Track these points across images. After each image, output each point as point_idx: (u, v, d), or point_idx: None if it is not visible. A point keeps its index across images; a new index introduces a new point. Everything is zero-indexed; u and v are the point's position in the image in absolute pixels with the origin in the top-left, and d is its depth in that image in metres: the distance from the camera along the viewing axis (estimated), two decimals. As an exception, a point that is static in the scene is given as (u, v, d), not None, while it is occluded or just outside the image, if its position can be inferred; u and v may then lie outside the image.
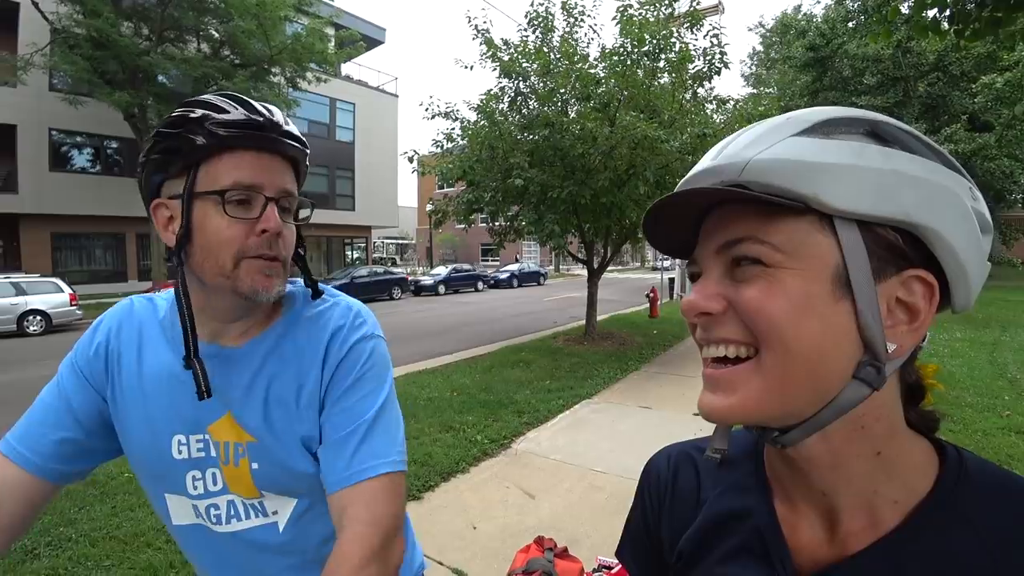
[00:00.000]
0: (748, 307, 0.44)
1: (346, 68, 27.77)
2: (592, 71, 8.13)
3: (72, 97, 15.48)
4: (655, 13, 8.22)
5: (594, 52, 8.63)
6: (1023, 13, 3.00)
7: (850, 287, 0.43)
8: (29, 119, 18.05)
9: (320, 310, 0.90)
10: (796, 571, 0.49)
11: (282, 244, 0.82)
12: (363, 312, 0.92)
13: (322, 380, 0.84)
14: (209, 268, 0.78)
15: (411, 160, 9.42)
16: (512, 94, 8.71)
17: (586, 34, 8.69)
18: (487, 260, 41.87)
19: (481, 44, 8.60)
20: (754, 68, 33.56)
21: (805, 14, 19.01)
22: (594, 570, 1.66)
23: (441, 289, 23.61)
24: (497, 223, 9.67)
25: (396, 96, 30.84)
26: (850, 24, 14.46)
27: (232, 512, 0.87)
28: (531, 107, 8.60)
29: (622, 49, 7.97)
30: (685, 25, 8.38)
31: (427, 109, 9.03)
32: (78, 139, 19.60)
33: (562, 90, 8.11)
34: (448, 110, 9.02)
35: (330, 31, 19.52)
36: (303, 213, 0.89)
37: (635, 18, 8.01)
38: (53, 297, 13.00)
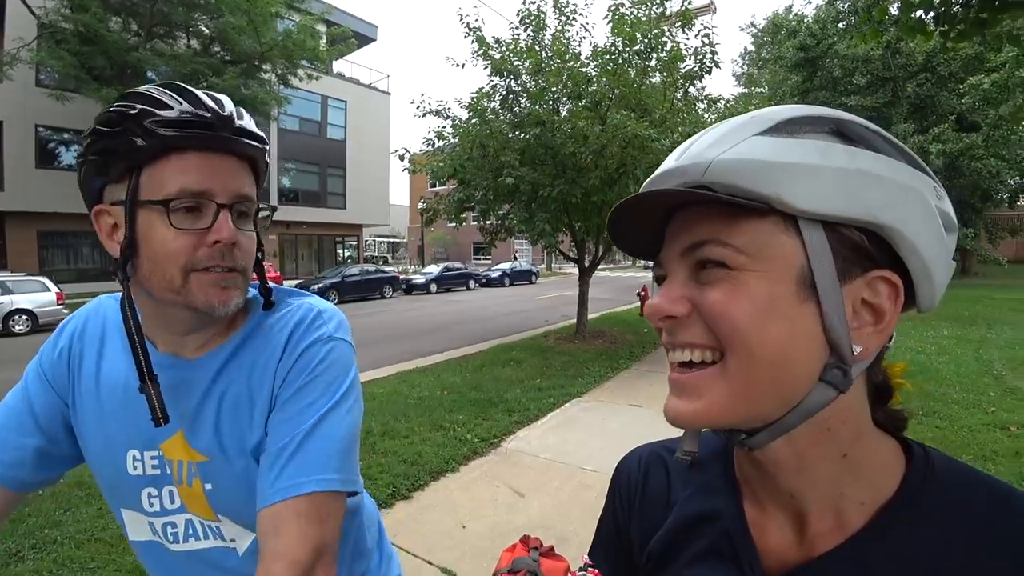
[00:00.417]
0: (712, 311, 0.43)
1: (338, 65, 27.69)
2: (583, 70, 8.14)
3: (59, 93, 15.29)
4: (647, 12, 8.23)
5: (585, 51, 8.66)
6: (1008, 15, 3.04)
7: (815, 289, 0.42)
8: (15, 115, 17.85)
9: (282, 313, 0.83)
10: (764, 573, 0.49)
11: (239, 254, 0.74)
12: (326, 313, 0.84)
13: (273, 388, 0.77)
14: (157, 282, 0.71)
15: (402, 158, 9.40)
16: (503, 92, 8.70)
17: (578, 33, 8.69)
18: (479, 259, 41.84)
19: (473, 42, 8.58)
20: (746, 68, 33.76)
21: (796, 14, 19.16)
22: (580, 569, 1.65)
23: (433, 288, 23.59)
24: (488, 222, 9.68)
25: (388, 94, 30.77)
26: (840, 25, 14.56)
27: (190, 531, 0.81)
28: (522, 105, 8.59)
29: (613, 48, 7.97)
30: (676, 24, 8.38)
31: (418, 107, 9.02)
32: (65, 136, 19.39)
33: (553, 89, 8.11)
34: (439, 108, 9.01)
35: (322, 28, 19.41)
36: (265, 215, 0.82)
37: (627, 17, 8.00)
38: (39, 296, 12.85)
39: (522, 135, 8.23)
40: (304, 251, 28.17)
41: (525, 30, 8.60)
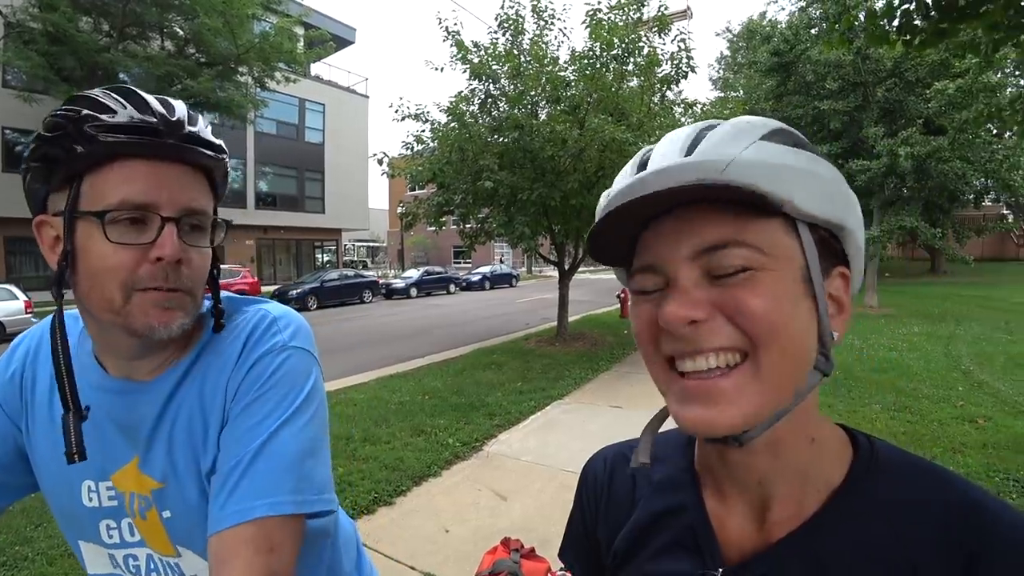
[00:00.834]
0: (746, 310, 0.43)
1: (315, 68, 27.45)
2: (562, 74, 8.20)
3: (27, 94, 14.92)
4: (624, 17, 8.33)
5: (564, 55, 8.70)
6: (965, 24, 3.18)
7: (811, 284, 0.46)
8: (-20, 117, 17.37)
9: (236, 323, 0.77)
10: (724, 562, 0.51)
11: (186, 272, 0.68)
12: (283, 320, 0.77)
13: (225, 403, 0.71)
14: (96, 301, 0.66)
15: (381, 162, 9.36)
16: (482, 96, 8.72)
17: (556, 37, 8.78)
18: (459, 262, 41.76)
19: (451, 46, 8.59)
20: (722, 72, 34.30)
21: (770, 21, 19.53)
22: (561, 569, 1.67)
23: (413, 292, 23.46)
24: (468, 225, 9.67)
25: (366, 97, 30.58)
26: (813, 31, 14.88)
27: (152, 567, 0.76)
28: (501, 109, 8.62)
29: (591, 52, 8.06)
30: (653, 29, 8.49)
31: (397, 111, 8.99)
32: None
33: (532, 92, 8.16)
34: (418, 112, 8.98)
35: (299, 30, 19.24)
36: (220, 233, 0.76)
37: (604, 22, 8.10)
38: (7, 304, 12.48)
39: (501, 139, 8.25)
40: (282, 256, 27.83)
41: (504, 34, 8.63)
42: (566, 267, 9.81)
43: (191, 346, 0.76)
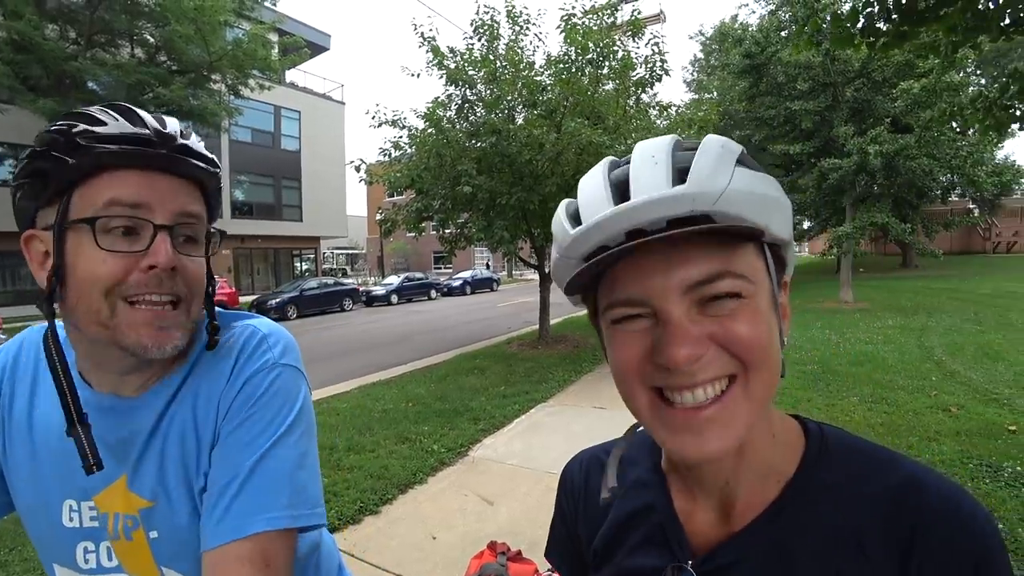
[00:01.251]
0: (740, 339, 0.45)
1: (290, 75, 27.19)
2: (538, 78, 8.24)
3: (-9, 105, 14.55)
4: (598, 22, 8.41)
5: (539, 60, 8.76)
6: (926, 28, 3.29)
7: (775, 299, 0.49)
8: (-58, 129, 16.86)
9: (226, 339, 0.76)
10: (692, 554, 0.54)
11: (181, 280, 0.67)
12: (272, 337, 0.77)
13: (217, 421, 0.71)
14: (83, 314, 0.64)
15: (358, 169, 9.30)
16: (459, 101, 8.74)
17: (531, 42, 8.83)
18: (440, 268, 41.62)
19: (427, 52, 8.59)
20: (695, 74, 34.72)
21: (741, 23, 19.83)
22: (548, 570, 1.67)
23: (394, 299, 23.36)
24: (447, 230, 9.65)
25: (342, 103, 30.39)
26: (783, 33, 15.15)
27: None
28: (478, 114, 8.64)
29: (567, 57, 8.13)
30: (627, 34, 8.59)
31: (374, 117, 8.95)
32: (-1, 149, 18.44)
33: (508, 97, 8.19)
34: (395, 118, 8.97)
35: (273, 37, 19.04)
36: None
37: (579, 27, 8.17)
38: (-26, 320, 12.16)
39: (478, 144, 8.26)
40: (260, 265, 27.47)
41: (479, 40, 8.66)
42: (547, 270, 9.84)
43: (182, 359, 0.75)
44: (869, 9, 3.35)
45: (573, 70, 8.02)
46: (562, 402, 6.13)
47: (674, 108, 9.89)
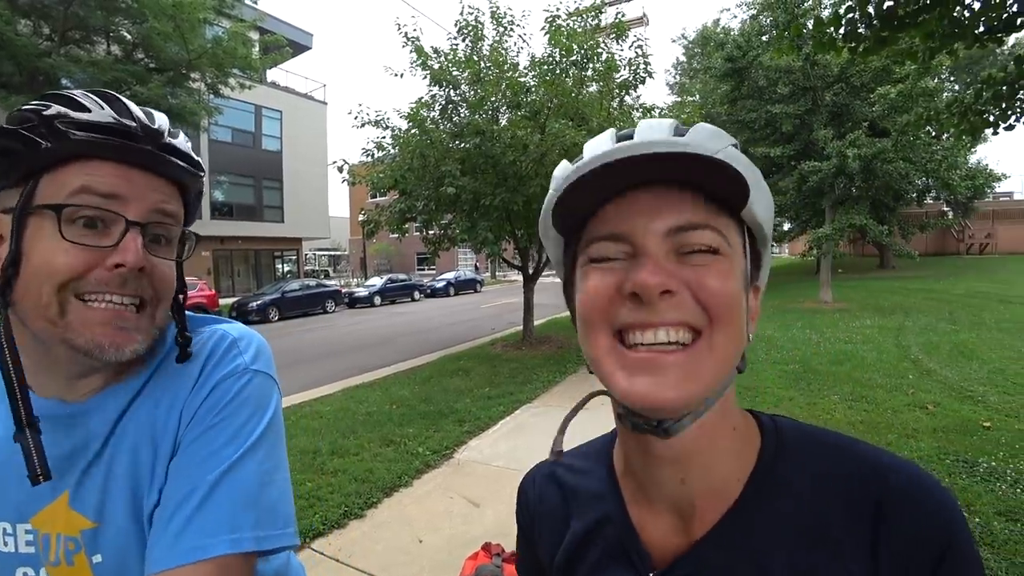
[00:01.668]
0: (710, 288, 0.45)
1: (272, 74, 26.88)
2: (522, 80, 8.25)
3: (-39, 102, 14.15)
4: (582, 24, 8.45)
5: (524, 61, 8.77)
6: (904, 33, 3.37)
7: (747, 284, 0.49)
8: (-91, 128, 16.36)
9: (193, 343, 0.70)
10: (653, 567, 0.52)
11: (147, 281, 0.62)
12: (243, 341, 0.72)
13: (179, 430, 0.65)
14: (30, 307, 0.59)
15: (341, 170, 9.23)
16: (443, 102, 8.72)
17: (515, 43, 8.82)
18: (423, 269, 41.47)
19: (411, 52, 8.56)
20: (678, 77, 35.01)
21: (723, 28, 20.05)
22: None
23: (377, 300, 23.18)
24: (431, 231, 9.62)
25: (325, 103, 30.12)
26: (764, 38, 15.34)
27: None
28: (462, 115, 8.63)
29: (551, 58, 8.15)
30: (611, 36, 8.64)
31: (356, 117, 8.88)
32: (-31, 148, 17.92)
33: (492, 98, 8.19)
34: (378, 118, 8.91)
35: (254, 35, 18.80)
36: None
37: (563, 28, 8.19)
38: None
39: (462, 144, 8.25)
40: (240, 267, 27.09)
41: (463, 40, 8.65)
42: (530, 271, 9.86)
43: (141, 365, 0.69)
44: (851, 15, 3.42)
45: (557, 71, 8.04)
46: (547, 403, 6.14)
47: (657, 110, 9.96)
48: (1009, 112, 3.99)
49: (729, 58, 15.86)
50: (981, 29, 3.43)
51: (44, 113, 0.59)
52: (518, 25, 8.71)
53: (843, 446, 0.51)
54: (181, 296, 0.71)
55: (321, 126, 29.59)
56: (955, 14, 3.33)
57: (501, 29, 8.63)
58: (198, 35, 15.76)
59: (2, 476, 0.62)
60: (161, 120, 0.65)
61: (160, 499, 0.62)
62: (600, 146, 0.49)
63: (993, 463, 3.68)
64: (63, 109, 0.59)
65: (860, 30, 3.42)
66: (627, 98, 9.22)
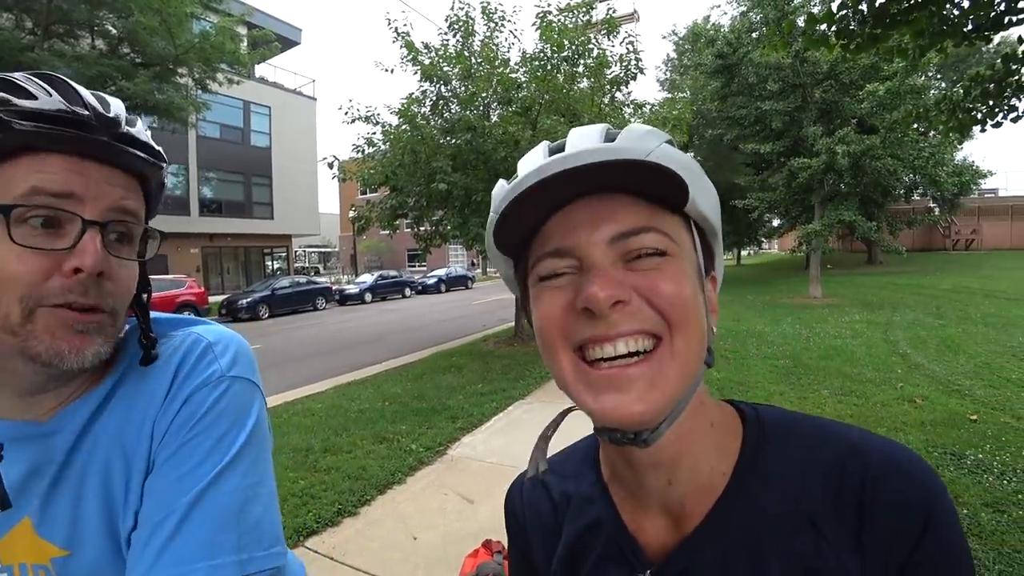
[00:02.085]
0: (663, 292, 0.45)
1: (260, 70, 26.64)
2: (513, 75, 8.24)
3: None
4: (573, 20, 8.44)
5: (515, 57, 8.75)
6: (896, 31, 3.40)
7: (701, 280, 0.49)
8: None
9: (163, 348, 0.65)
10: (649, 564, 0.52)
11: (109, 287, 0.57)
12: (219, 345, 0.66)
13: (151, 447, 0.60)
14: None
15: (331, 166, 9.17)
16: (434, 98, 8.68)
17: (507, 39, 8.81)
18: (414, 266, 41.35)
19: (402, 47, 8.52)
20: (668, 74, 35.02)
21: (713, 24, 20.10)
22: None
23: (367, 297, 23.15)
24: (422, 228, 9.59)
25: (314, 99, 29.91)
26: (754, 35, 15.41)
27: None
28: (453, 111, 8.61)
29: (542, 54, 8.14)
30: (602, 32, 8.64)
31: (347, 113, 8.84)
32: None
33: (483, 94, 8.17)
34: (368, 114, 8.86)
35: (242, 30, 18.60)
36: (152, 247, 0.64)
37: (554, 24, 8.19)
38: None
39: (453, 140, 8.23)
40: (230, 264, 26.88)
41: (454, 36, 8.61)
42: (523, 268, 9.83)
43: (106, 374, 0.63)
44: (844, 12, 3.44)
45: (548, 67, 8.04)
46: (540, 399, 6.15)
47: (648, 107, 9.98)
48: (996, 109, 4.04)
49: (719, 55, 15.92)
50: (970, 27, 3.47)
51: None
52: (509, 21, 8.70)
53: (824, 430, 0.51)
54: (145, 295, 0.67)
55: (310, 122, 29.37)
56: (945, 12, 3.37)
57: (492, 24, 8.61)
58: (185, 29, 15.56)
59: None
60: (117, 107, 0.60)
61: (136, 522, 0.58)
62: (533, 162, 0.48)
63: (980, 455, 3.73)
64: (5, 95, 0.53)
65: (852, 27, 3.45)
66: (618, 94, 9.24)
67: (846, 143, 12.74)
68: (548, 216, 0.48)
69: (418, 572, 2.90)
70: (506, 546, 1.62)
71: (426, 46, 8.61)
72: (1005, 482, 3.37)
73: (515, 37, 8.89)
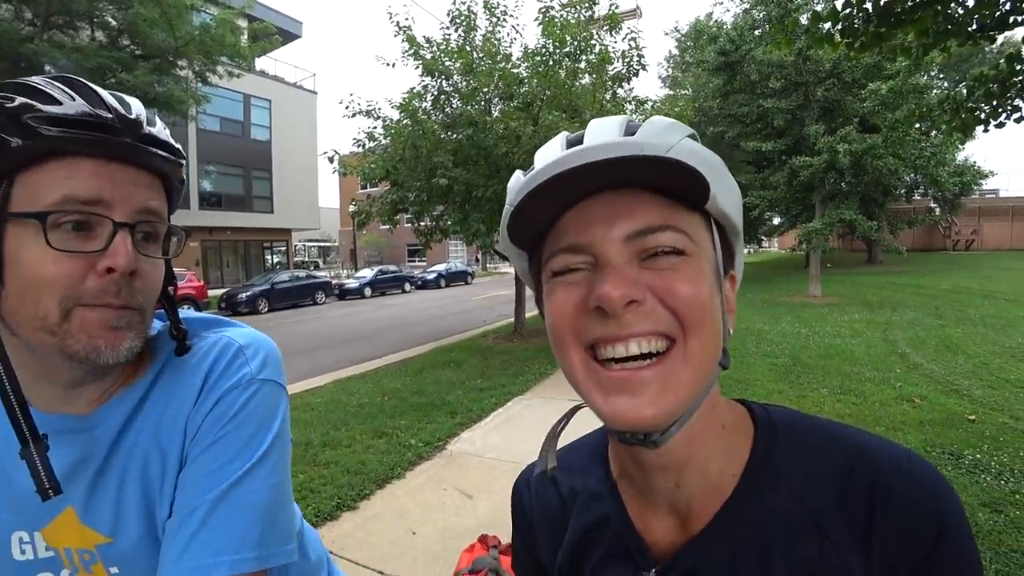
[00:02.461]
0: (679, 293, 0.44)
1: (261, 63, 26.56)
2: (515, 71, 8.21)
3: (-60, 89, 13.83)
4: (576, 15, 8.41)
5: (517, 52, 8.74)
6: (901, 30, 3.39)
7: (719, 280, 0.48)
8: None
9: (196, 349, 0.68)
10: (655, 562, 0.52)
11: (139, 286, 0.60)
12: (249, 349, 0.69)
13: (184, 443, 0.64)
14: (26, 320, 0.56)
15: (331, 160, 9.15)
16: (435, 93, 8.66)
17: (508, 34, 8.81)
18: (414, 261, 41.33)
19: (403, 42, 8.49)
20: (670, 71, 34.93)
21: (716, 21, 20.04)
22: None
23: (367, 292, 23.12)
24: (422, 223, 9.58)
25: (315, 93, 29.85)
26: (756, 32, 15.37)
27: None
28: (454, 106, 8.58)
29: (544, 50, 8.10)
30: (604, 28, 8.61)
31: (347, 107, 8.81)
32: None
33: (485, 89, 8.14)
34: (370, 108, 8.83)
35: (242, 23, 18.53)
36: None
37: (556, 19, 8.15)
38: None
39: (455, 135, 8.21)
40: (229, 258, 26.87)
41: (456, 30, 8.58)
42: (523, 264, 9.83)
43: (142, 372, 0.67)
44: (849, 10, 3.43)
45: (550, 63, 8.00)
46: (539, 395, 6.15)
47: (650, 103, 9.95)
48: (1000, 110, 4.03)
49: (722, 52, 15.88)
50: (974, 27, 3.46)
51: (8, 107, 0.54)
52: (511, 15, 8.67)
53: (836, 433, 0.50)
54: (171, 288, 0.69)
55: (311, 116, 29.31)
56: (950, 11, 3.36)
57: (494, 19, 8.58)
58: (185, 22, 15.49)
59: (16, 484, 0.60)
60: (137, 108, 0.61)
61: (171, 512, 0.62)
62: (551, 154, 0.47)
63: (978, 455, 3.74)
64: (29, 101, 0.55)
65: (857, 25, 3.45)
66: (620, 90, 9.21)
67: (848, 142, 12.72)
68: (564, 210, 0.47)
69: (416, 566, 2.91)
70: (502, 541, 1.62)
71: (428, 40, 8.59)
72: (1003, 482, 3.37)
73: (517, 32, 8.93)
